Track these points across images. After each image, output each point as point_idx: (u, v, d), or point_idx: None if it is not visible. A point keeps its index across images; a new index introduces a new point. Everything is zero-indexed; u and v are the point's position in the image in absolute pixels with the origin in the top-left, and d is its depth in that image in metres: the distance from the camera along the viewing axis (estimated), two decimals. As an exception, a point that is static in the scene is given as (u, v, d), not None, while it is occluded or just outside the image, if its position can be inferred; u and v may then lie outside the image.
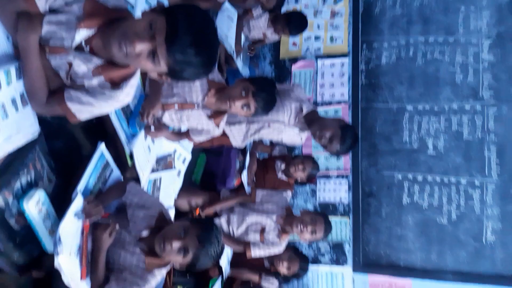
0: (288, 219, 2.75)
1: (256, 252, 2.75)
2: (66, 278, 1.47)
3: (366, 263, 3.58)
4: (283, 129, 2.55)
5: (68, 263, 1.46)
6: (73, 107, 1.25)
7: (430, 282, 3.37)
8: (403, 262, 3.51)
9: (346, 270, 3.61)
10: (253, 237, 2.74)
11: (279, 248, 2.79)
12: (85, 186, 1.55)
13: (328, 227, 2.75)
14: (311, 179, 3.59)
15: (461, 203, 3.44)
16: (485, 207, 3.37)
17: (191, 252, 1.57)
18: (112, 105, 1.29)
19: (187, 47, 1.10)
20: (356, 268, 3.58)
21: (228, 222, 2.78)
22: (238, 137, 2.61)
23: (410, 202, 3.57)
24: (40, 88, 1.24)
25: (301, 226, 2.67)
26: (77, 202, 1.49)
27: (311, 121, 2.56)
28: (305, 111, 2.54)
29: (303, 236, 2.72)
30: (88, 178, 1.57)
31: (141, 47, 1.10)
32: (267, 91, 1.96)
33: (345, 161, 3.80)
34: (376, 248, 3.60)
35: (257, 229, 2.73)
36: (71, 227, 1.48)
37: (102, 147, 1.64)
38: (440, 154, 3.54)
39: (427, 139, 3.60)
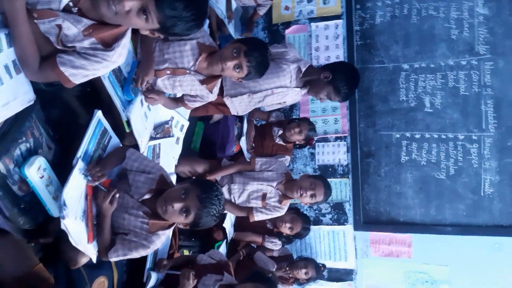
0: (288, 185, 2.77)
1: (258, 217, 2.81)
2: (73, 240, 1.52)
3: (367, 221, 3.65)
4: (286, 91, 2.55)
5: (74, 226, 1.51)
6: (67, 71, 1.26)
7: (429, 236, 3.44)
8: (403, 218, 3.58)
9: (348, 228, 3.70)
10: (255, 203, 2.79)
11: (280, 212, 2.85)
12: (84, 152, 1.57)
13: (327, 191, 2.77)
14: (308, 141, 3.61)
15: (459, 158, 3.47)
16: (483, 160, 3.41)
17: (192, 212, 1.60)
18: (105, 66, 1.30)
19: (176, 1, 1.12)
20: (357, 226, 3.65)
21: (230, 192, 2.82)
22: (239, 108, 2.61)
23: (409, 160, 3.61)
24: (32, 55, 1.25)
25: (301, 191, 2.70)
26: (79, 168, 1.52)
27: (308, 81, 2.58)
28: (303, 69, 2.54)
29: (303, 201, 2.77)
30: (87, 144, 1.59)
31: (130, 4, 1.10)
32: (259, 51, 1.95)
33: (343, 123, 3.81)
34: (376, 206, 3.67)
35: (258, 196, 2.77)
36: (75, 192, 1.51)
37: (99, 114, 1.65)
38: (437, 111, 3.55)
39: (424, 97, 3.60)
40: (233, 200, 2.85)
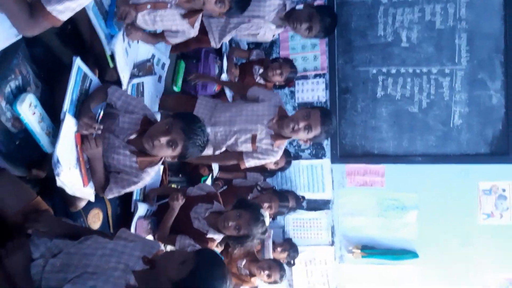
0: (280, 122, 2.33)
1: (250, 162, 2.44)
2: (70, 190, 1.60)
3: (343, 155, 3.83)
4: (262, 24, 2.54)
5: (69, 177, 1.57)
6: (53, 10, 1.25)
7: (401, 166, 3.67)
8: (377, 150, 3.78)
9: (325, 162, 3.89)
10: (245, 147, 2.40)
11: (275, 157, 2.44)
12: (70, 103, 1.59)
13: (325, 120, 2.27)
14: (289, 83, 3.67)
15: (432, 92, 3.62)
16: (454, 93, 3.56)
17: (179, 144, 1.66)
18: None
19: None
20: (334, 159, 3.84)
21: (215, 137, 2.40)
22: (215, 32, 2.56)
23: (384, 95, 3.73)
24: (20, 9, 1.23)
25: (293, 124, 2.25)
26: (67, 122, 1.55)
27: (289, 16, 2.57)
28: (288, 8, 2.53)
29: (298, 136, 2.31)
30: (71, 95, 1.60)
31: None
32: None
33: (322, 60, 3.86)
34: (352, 140, 3.84)
35: (247, 139, 2.36)
36: (66, 145, 1.56)
37: (78, 62, 1.63)
38: (413, 45, 3.62)
39: (401, 32, 3.65)
40: (219, 145, 2.46)
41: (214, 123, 2.39)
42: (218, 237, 2.21)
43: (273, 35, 2.72)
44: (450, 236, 3.57)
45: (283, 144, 2.44)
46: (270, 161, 2.50)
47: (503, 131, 3.48)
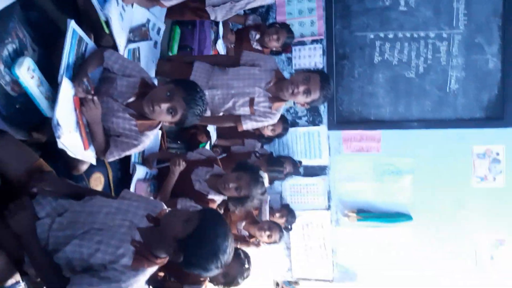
0: (278, 84, 2.34)
1: (248, 125, 2.45)
2: (71, 153, 1.63)
3: (340, 121, 3.87)
4: None
5: (70, 140, 1.59)
6: None
7: (397, 131, 3.71)
8: (374, 116, 3.81)
9: (322, 129, 3.92)
10: (243, 110, 2.39)
11: (272, 119, 2.45)
12: (66, 67, 1.60)
13: (325, 84, 2.25)
14: (286, 48, 3.65)
15: (429, 57, 3.61)
16: (451, 58, 3.56)
17: (179, 113, 1.69)
18: None
19: None
20: (331, 126, 3.88)
21: (212, 100, 2.39)
22: (219, 14, 2.55)
23: (381, 60, 3.73)
24: None
25: (292, 87, 2.24)
26: (64, 85, 1.55)
27: None
28: None
29: (297, 99, 2.31)
30: (67, 58, 1.60)
31: None
32: None
33: (319, 25, 3.82)
34: (349, 107, 3.86)
35: (245, 102, 2.36)
36: (65, 108, 1.57)
37: (72, 25, 1.62)
38: (411, 9, 3.59)
39: (399, -5, 3.61)
40: (217, 109, 2.47)
41: (212, 86, 2.38)
42: (219, 198, 2.27)
43: None
44: (444, 199, 3.66)
45: (281, 106, 2.45)
46: (267, 123, 2.51)
47: (498, 96, 3.50)
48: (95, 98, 1.67)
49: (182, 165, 2.21)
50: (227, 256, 1.40)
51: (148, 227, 1.51)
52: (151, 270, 1.53)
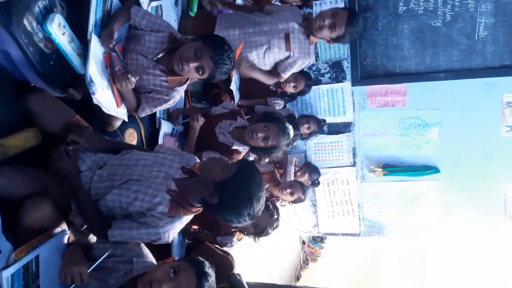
0: (306, 22, 2.40)
1: (286, 74, 2.55)
2: (106, 109, 1.68)
3: (364, 76, 3.80)
4: None
5: (104, 97, 1.64)
6: None
7: (423, 84, 3.62)
8: (399, 69, 3.72)
9: (346, 85, 3.87)
10: (278, 49, 2.39)
11: (309, 58, 2.49)
12: (94, 24, 1.62)
13: (352, 21, 2.27)
14: (306, 2, 3.58)
15: (456, 3, 3.46)
16: (479, 3, 3.41)
17: (207, 71, 1.73)
18: None
19: None
20: (355, 82, 3.82)
21: (245, 37, 2.38)
22: None
23: (406, 10, 3.60)
24: None
25: (319, 22, 2.29)
26: (94, 42, 1.59)
27: None
28: None
29: (322, 34, 2.34)
30: (94, 16, 1.63)
31: None
32: None
33: (340, -22, 3.70)
34: (373, 61, 3.79)
35: (280, 39, 2.34)
36: (97, 65, 1.61)
37: None
38: (437, -46, 3.43)
39: None
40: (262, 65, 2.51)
41: (242, 25, 2.36)
42: (244, 149, 2.31)
43: None
44: (472, 150, 3.60)
45: (313, 44, 2.45)
46: (306, 64, 2.50)
47: (530, 41, 3.36)
48: (131, 78, 1.68)
49: (201, 120, 2.25)
50: (260, 205, 1.46)
51: (183, 177, 1.57)
52: (186, 218, 1.60)
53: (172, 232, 1.55)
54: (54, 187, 1.55)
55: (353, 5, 3.68)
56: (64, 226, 1.59)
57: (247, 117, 3.41)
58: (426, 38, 3.59)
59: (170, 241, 1.55)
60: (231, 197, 1.41)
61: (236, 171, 1.42)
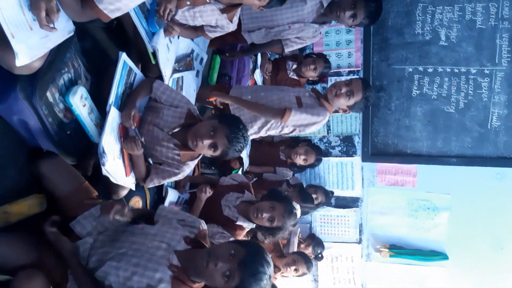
0: (320, 95, 2.49)
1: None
2: (114, 180, 1.68)
3: (375, 153, 3.81)
4: (304, 27, 2.56)
5: (113, 167, 1.65)
6: (105, 8, 1.32)
7: (434, 167, 3.61)
8: (410, 150, 3.73)
9: (356, 160, 3.87)
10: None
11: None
12: (115, 97, 1.67)
13: (367, 86, 2.36)
14: (322, 78, 3.68)
15: (470, 92, 3.53)
16: (493, 94, 3.47)
17: (220, 149, 1.74)
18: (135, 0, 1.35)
19: None
20: (365, 158, 3.82)
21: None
22: (256, 39, 2.66)
23: (420, 94, 3.68)
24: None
25: (335, 90, 2.34)
26: (112, 114, 1.62)
27: (331, 7, 2.58)
28: (325, 4, 2.54)
29: (339, 102, 2.37)
30: (116, 89, 1.67)
31: None
32: None
33: (356, 57, 3.83)
34: (384, 139, 3.81)
35: (291, 99, 2.42)
36: (111, 136, 1.63)
37: (123, 57, 1.70)
38: (452, 44, 3.54)
39: (439, 30, 3.57)
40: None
41: (254, 89, 2.58)
42: (248, 225, 2.26)
43: (320, 33, 2.74)
44: (482, 239, 3.50)
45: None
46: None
47: (543, 135, 3.36)
48: (139, 140, 1.71)
49: (209, 192, 2.23)
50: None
51: (186, 249, 1.52)
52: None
53: None
54: (51, 256, 1.50)
55: (367, 84, 3.77)
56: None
57: (254, 179, 3.41)
58: (439, 122, 3.62)
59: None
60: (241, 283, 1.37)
61: (243, 258, 1.38)
